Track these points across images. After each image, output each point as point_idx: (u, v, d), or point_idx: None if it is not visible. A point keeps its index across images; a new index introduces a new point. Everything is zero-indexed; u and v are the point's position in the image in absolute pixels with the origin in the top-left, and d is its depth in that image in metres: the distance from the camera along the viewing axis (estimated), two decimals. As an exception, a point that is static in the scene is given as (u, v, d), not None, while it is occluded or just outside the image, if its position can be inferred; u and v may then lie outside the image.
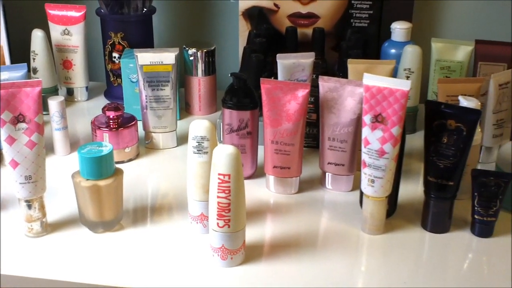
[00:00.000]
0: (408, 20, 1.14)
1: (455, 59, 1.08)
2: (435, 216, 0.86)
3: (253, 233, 0.85)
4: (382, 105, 0.80)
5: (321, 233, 0.88)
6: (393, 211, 0.90)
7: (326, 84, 0.92)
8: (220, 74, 1.24)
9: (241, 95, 0.95)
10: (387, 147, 0.81)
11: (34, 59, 1.20)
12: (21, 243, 0.84)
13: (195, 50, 1.18)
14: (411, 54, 1.08)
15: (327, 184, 0.97)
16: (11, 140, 0.80)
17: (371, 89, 0.81)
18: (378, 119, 0.80)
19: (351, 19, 1.17)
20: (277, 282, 0.78)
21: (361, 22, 1.17)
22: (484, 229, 0.85)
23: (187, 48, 1.18)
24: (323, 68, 1.12)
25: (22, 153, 0.81)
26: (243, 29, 1.21)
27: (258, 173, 1.00)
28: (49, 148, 1.05)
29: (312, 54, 0.99)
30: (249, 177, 0.99)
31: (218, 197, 0.76)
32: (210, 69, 1.20)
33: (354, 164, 0.94)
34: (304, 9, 1.18)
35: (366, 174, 0.83)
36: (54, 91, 1.23)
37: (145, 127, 1.09)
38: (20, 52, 1.25)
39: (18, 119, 0.80)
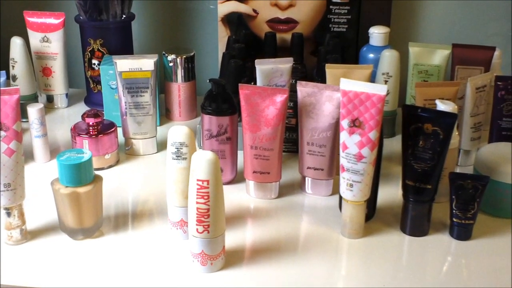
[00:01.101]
0: (386, 25, 1.15)
1: (432, 63, 1.09)
2: (414, 219, 0.86)
3: (233, 238, 0.86)
4: (359, 110, 0.81)
5: (301, 238, 0.89)
6: (372, 215, 0.90)
7: (304, 89, 0.92)
8: (200, 80, 1.24)
9: (220, 100, 0.95)
10: (365, 151, 0.81)
11: (13, 66, 1.19)
12: (1, 251, 0.84)
13: (174, 56, 1.18)
14: (389, 59, 1.09)
15: (307, 188, 0.97)
16: (-11, 148, 0.80)
17: (348, 93, 0.81)
18: (355, 124, 0.81)
19: (329, 24, 1.18)
20: (258, 287, 0.78)
21: (340, 27, 1.18)
22: (462, 232, 0.86)
23: (166, 54, 1.19)
24: (302, 73, 1.13)
25: (1, 161, 0.80)
26: (222, 35, 1.22)
27: (238, 178, 1.00)
28: (29, 156, 1.05)
29: (290, 59, 1.00)
30: (229, 182, 0.99)
31: (197, 202, 0.76)
32: (190, 75, 1.20)
33: (333, 169, 0.95)
34: (282, 15, 1.18)
35: (344, 178, 0.84)
36: (33, 98, 1.22)
37: (125, 133, 1.09)
38: (-1, 60, 1.24)
39: (-4, 127, 0.80)
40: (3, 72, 1.00)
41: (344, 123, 0.82)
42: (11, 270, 0.80)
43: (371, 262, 0.82)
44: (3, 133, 0.80)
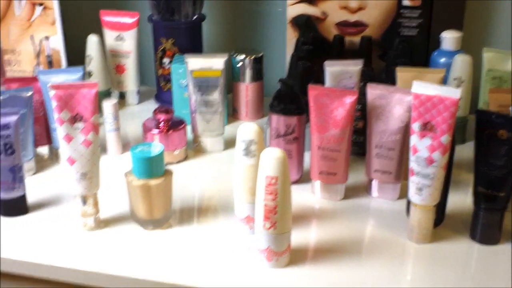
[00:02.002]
0: (458, 29, 1.14)
1: (507, 69, 1.07)
2: (485, 227, 0.85)
3: (298, 237, 0.86)
4: (431, 113, 0.80)
5: (366, 240, 0.89)
6: (441, 220, 0.89)
7: (374, 91, 0.92)
8: (267, 81, 1.25)
9: (289, 100, 0.96)
10: (435, 155, 0.81)
11: (89, 63, 1.24)
12: (76, 238, 0.87)
13: (243, 57, 1.20)
14: (461, 63, 1.08)
15: (373, 191, 0.97)
16: (69, 138, 0.83)
17: (420, 96, 0.81)
18: (427, 127, 0.81)
19: (399, 28, 1.17)
20: (320, 287, 0.78)
21: (410, 31, 1.17)
22: (534, 242, 0.84)
23: (235, 55, 1.21)
24: (370, 76, 1.12)
25: (78, 151, 0.84)
26: (290, 37, 1.22)
27: (303, 178, 1.01)
28: (102, 149, 1.08)
29: (360, 61, 1.00)
30: (295, 182, 1.00)
31: (265, 199, 0.77)
32: (258, 75, 1.22)
33: (401, 172, 0.94)
34: (352, 18, 1.18)
35: (413, 182, 0.83)
36: (107, 94, 1.26)
37: (193, 130, 1.11)
38: (76, 56, 1.29)
39: (75, 118, 0.83)
40: (81, 68, 1.04)
41: (415, 126, 0.82)
42: (84, 256, 0.83)
43: (437, 269, 0.81)
44: (81, 124, 0.83)
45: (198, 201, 0.98)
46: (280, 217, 0.77)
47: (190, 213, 0.94)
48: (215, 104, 1.09)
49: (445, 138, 0.80)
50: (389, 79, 1.05)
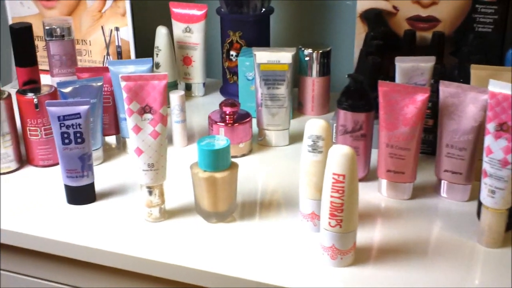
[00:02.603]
0: (537, 27, 1.09)
1: None
2: (558, 233, 0.82)
3: (362, 235, 0.85)
4: (508, 113, 0.77)
5: (432, 242, 0.86)
6: (513, 224, 0.86)
7: (447, 89, 0.90)
8: (334, 75, 1.24)
9: (357, 97, 0.94)
10: (511, 157, 0.77)
11: (157, 54, 1.25)
12: (141, 227, 0.88)
13: (310, 51, 1.19)
14: (540, 63, 1.03)
15: (442, 192, 0.94)
16: (137, 129, 0.84)
17: (496, 95, 0.78)
18: (503, 128, 0.77)
19: (473, 24, 1.13)
20: (384, 287, 0.77)
21: (485, 27, 1.13)
22: None
23: (303, 49, 1.20)
24: (441, 73, 1.09)
25: (146, 142, 0.85)
26: (360, 31, 1.20)
27: (369, 176, 0.99)
28: (168, 140, 1.09)
29: (433, 58, 0.97)
30: (361, 180, 0.98)
31: (331, 196, 0.76)
32: (325, 70, 1.20)
33: (472, 174, 0.91)
34: (424, 12, 1.15)
35: (486, 184, 0.80)
36: (174, 86, 1.28)
37: (259, 124, 1.11)
38: (144, 47, 1.31)
39: (144, 109, 0.84)
40: (150, 59, 1.06)
41: (490, 126, 0.79)
42: (149, 245, 0.84)
43: (508, 274, 0.78)
44: (150, 116, 0.84)
45: (261, 195, 0.98)
46: (346, 215, 0.76)
47: (253, 207, 0.94)
48: (281, 98, 1.09)
49: (522, 140, 0.77)
50: (462, 77, 1.01)
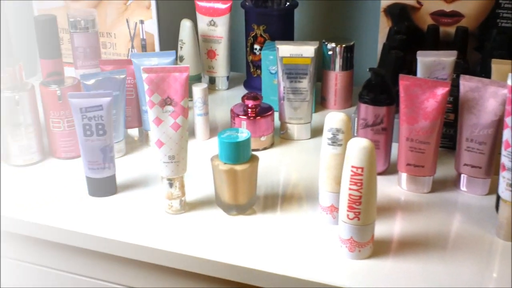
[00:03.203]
0: (562, 21, 1.08)
1: None
2: None
3: (381, 228, 0.85)
4: (528, 108, 0.77)
5: (452, 235, 0.86)
6: (532, 219, 0.86)
7: (467, 83, 0.89)
8: (357, 70, 1.24)
9: (378, 90, 0.94)
10: (530, 151, 0.77)
11: (181, 47, 1.27)
12: (161, 219, 0.90)
13: (334, 45, 1.19)
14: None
15: (462, 186, 0.94)
16: (158, 121, 0.86)
17: (516, 90, 0.78)
18: (522, 122, 0.77)
19: (497, 19, 1.12)
20: (403, 280, 0.77)
21: (508, 22, 1.12)
22: None
23: (326, 43, 1.20)
24: (464, 68, 1.09)
25: (167, 134, 0.86)
26: (384, 26, 1.20)
27: (390, 170, 0.99)
28: (190, 132, 1.11)
29: (454, 52, 0.97)
30: (381, 173, 0.98)
31: (350, 189, 0.76)
32: (348, 64, 1.21)
33: (491, 168, 0.91)
34: (448, 7, 1.14)
35: (504, 178, 0.80)
36: (198, 79, 1.29)
37: (281, 117, 1.12)
38: (169, 40, 1.32)
39: (165, 102, 0.85)
40: (173, 52, 1.07)
41: (509, 120, 0.78)
42: (169, 237, 0.86)
43: (527, 269, 0.78)
44: (171, 108, 0.86)
45: (282, 188, 0.99)
46: (365, 208, 0.77)
47: (274, 200, 0.95)
48: (304, 92, 1.09)
49: (542, 135, 0.76)
50: (484, 72, 1.01)
